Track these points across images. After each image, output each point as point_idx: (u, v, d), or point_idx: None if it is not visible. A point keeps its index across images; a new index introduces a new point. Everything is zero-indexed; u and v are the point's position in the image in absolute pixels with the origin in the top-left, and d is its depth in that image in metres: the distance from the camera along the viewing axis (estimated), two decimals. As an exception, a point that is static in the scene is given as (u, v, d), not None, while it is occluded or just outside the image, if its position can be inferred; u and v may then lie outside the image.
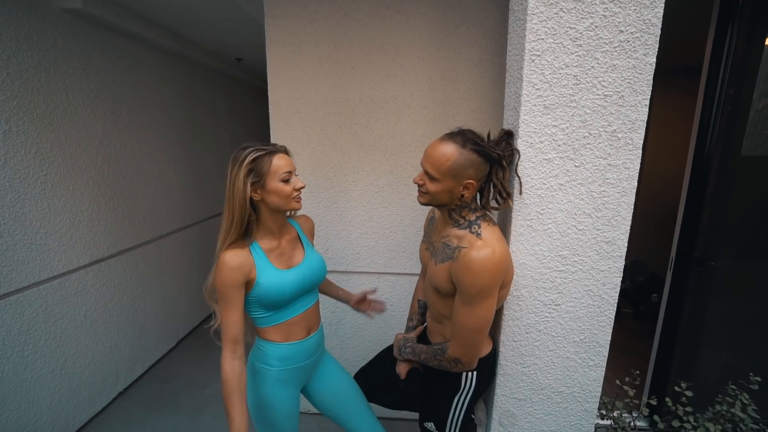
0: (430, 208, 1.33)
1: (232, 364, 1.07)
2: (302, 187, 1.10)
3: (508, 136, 1.09)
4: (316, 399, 1.33)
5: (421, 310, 1.39)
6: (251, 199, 1.06)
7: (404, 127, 1.80)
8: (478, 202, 1.10)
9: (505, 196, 1.06)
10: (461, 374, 1.16)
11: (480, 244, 0.98)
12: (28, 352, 1.78)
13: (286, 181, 1.07)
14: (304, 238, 1.26)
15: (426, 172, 1.03)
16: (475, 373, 1.17)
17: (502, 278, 1.01)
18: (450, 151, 0.99)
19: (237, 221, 1.06)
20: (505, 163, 1.04)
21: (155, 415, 2.20)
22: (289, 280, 1.13)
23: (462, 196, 1.03)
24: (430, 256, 1.16)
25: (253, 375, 1.21)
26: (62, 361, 1.95)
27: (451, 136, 1.02)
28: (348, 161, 1.86)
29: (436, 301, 1.16)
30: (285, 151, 1.11)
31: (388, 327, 2.01)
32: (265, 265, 1.10)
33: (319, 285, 1.28)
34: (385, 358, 1.42)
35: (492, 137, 1.09)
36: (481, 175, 1.03)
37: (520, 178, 1.09)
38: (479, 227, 1.03)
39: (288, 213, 1.21)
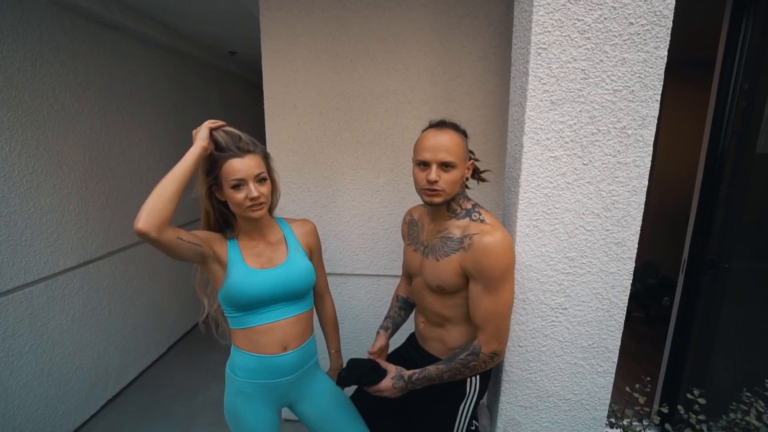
0: (407, 211, 1.37)
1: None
2: (255, 197, 1.05)
3: None
4: (307, 422, 1.28)
5: (399, 304, 1.39)
6: (218, 198, 1.11)
7: (405, 124, 1.80)
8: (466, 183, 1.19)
9: (481, 171, 1.19)
10: (465, 380, 1.16)
11: (490, 228, 1.03)
12: (13, 357, 1.78)
13: (236, 187, 1.04)
14: (292, 241, 1.22)
15: (443, 164, 1.04)
16: (479, 376, 1.17)
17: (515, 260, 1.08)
18: (455, 136, 1.06)
19: (203, 217, 1.12)
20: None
21: (146, 423, 2.20)
22: (258, 280, 1.10)
23: (466, 179, 1.11)
24: (423, 256, 1.17)
25: (226, 379, 1.21)
26: (48, 367, 1.95)
27: (444, 125, 1.08)
28: (346, 159, 1.86)
29: (435, 302, 1.16)
30: (248, 152, 1.05)
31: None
32: (237, 260, 1.11)
33: (303, 295, 1.20)
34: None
35: None
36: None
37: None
38: (480, 214, 1.09)
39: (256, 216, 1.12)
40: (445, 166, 1.04)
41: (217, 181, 1.07)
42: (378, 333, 1.33)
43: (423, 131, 1.10)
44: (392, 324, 1.36)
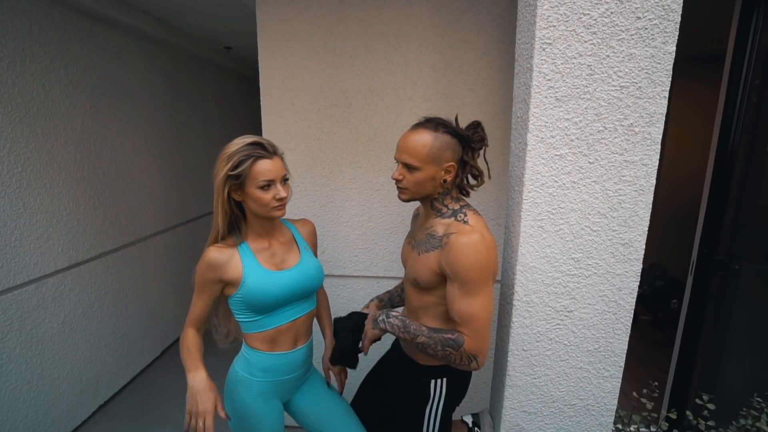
0: (417, 206, 1.36)
1: (194, 334, 1.17)
2: (284, 197, 1.10)
3: (477, 124, 1.15)
4: (300, 416, 1.32)
5: (401, 287, 1.43)
6: (234, 199, 1.11)
7: (406, 121, 1.80)
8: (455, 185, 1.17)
9: (477, 174, 1.15)
10: (429, 382, 1.18)
11: (469, 229, 1.04)
12: (2, 361, 1.78)
13: (265, 188, 1.08)
14: (301, 241, 1.27)
15: (405, 165, 1.09)
16: (444, 379, 1.18)
17: (496, 263, 1.07)
18: (425, 137, 1.06)
19: (217, 218, 1.12)
20: (473, 145, 1.12)
21: (139, 429, 2.20)
22: (278, 282, 1.14)
23: (445, 180, 1.10)
24: (411, 249, 1.21)
25: (234, 383, 1.22)
26: (39, 371, 1.95)
27: (422, 124, 1.09)
28: (345, 157, 1.86)
29: (412, 295, 1.21)
30: (275, 154, 1.11)
31: (386, 336, 2.01)
32: (254, 265, 1.13)
33: (314, 293, 1.28)
34: (370, 387, 1.41)
35: (458, 123, 1.14)
36: (457, 157, 1.10)
37: (488, 164, 1.17)
38: (465, 215, 1.10)
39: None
40: (407, 167, 1.08)
41: (240, 181, 1.07)
42: (371, 301, 1.40)
43: None
44: (388, 297, 1.43)
